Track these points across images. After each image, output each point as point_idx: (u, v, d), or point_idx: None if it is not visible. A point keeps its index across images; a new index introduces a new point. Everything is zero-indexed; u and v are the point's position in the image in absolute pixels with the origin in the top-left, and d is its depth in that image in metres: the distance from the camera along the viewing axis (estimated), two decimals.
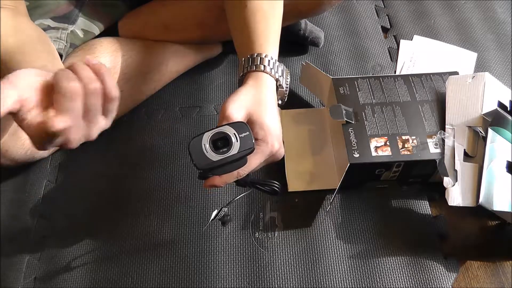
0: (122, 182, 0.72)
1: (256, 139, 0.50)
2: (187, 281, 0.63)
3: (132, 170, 0.73)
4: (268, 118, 0.51)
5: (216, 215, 0.61)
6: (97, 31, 0.72)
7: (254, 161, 0.50)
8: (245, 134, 0.48)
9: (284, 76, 0.56)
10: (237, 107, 0.50)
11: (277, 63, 0.55)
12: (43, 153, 0.71)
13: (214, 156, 0.47)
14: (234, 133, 0.48)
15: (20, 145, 0.65)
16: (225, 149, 0.47)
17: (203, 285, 0.63)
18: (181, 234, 0.67)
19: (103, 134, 0.76)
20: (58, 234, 0.68)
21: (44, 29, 0.66)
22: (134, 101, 0.79)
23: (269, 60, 0.54)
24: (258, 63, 0.53)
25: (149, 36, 0.77)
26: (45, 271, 0.64)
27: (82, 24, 0.70)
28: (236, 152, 0.48)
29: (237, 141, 0.48)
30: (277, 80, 0.55)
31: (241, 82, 0.56)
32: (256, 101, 0.51)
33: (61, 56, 0.65)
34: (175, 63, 0.81)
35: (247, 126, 0.49)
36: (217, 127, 0.48)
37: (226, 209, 0.67)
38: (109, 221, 0.68)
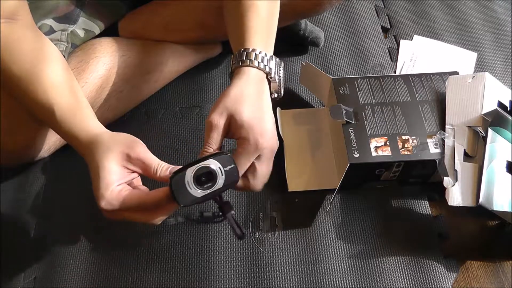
0: None
1: (238, 138, 0.49)
2: (187, 281, 0.63)
3: None
4: (247, 114, 0.49)
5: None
6: (97, 30, 0.72)
7: (243, 163, 0.49)
8: (230, 167, 0.46)
9: (276, 69, 0.55)
10: (219, 113, 0.50)
11: (268, 56, 0.54)
12: (43, 153, 0.71)
13: (198, 193, 0.45)
14: (219, 167, 0.46)
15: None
16: (210, 184, 0.46)
17: (203, 285, 0.63)
18: (181, 234, 0.67)
19: None
20: (58, 234, 0.67)
21: (47, 31, 0.66)
22: (134, 101, 0.79)
23: (256, 54, 0.53)
24: (244, 58, 0.52)
25: (149, 36, 0.77)
26: (45, 271, 0.64)
27: (83, 24, 0.70)
28: (221, 186, 0.46)
29: (222, 175, 0.46)
30: (267, 74, 0.54)
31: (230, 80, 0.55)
32: (235, 100, 0.50)
33: None
34: (174, 63, 0.81)
35: (232, 158, 0.47)
36: (200, 160, 0.46)
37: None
38: (109, 221, 0.68)
